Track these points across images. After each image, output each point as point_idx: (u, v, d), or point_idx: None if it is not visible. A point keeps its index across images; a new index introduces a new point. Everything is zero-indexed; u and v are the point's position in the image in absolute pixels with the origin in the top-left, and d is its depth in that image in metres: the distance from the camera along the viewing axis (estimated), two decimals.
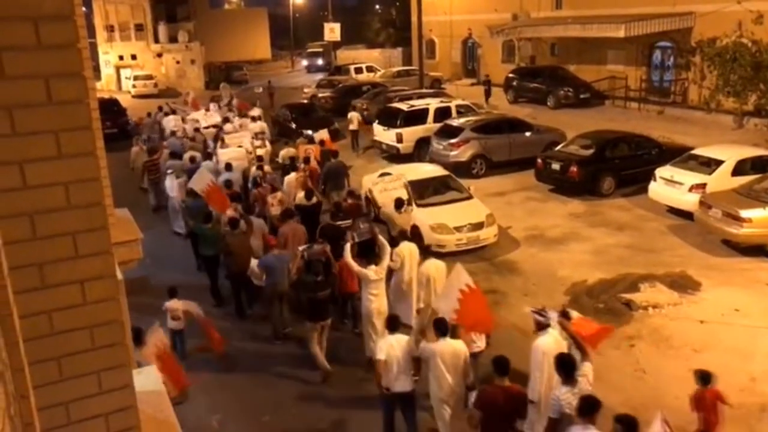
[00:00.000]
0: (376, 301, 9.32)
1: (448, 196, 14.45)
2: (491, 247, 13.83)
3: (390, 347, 7.47)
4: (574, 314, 7.73)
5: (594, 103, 28.85)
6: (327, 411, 8.74)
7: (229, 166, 15.49)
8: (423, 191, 14.40)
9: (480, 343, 8.37)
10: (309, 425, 8.49)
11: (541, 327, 7.24)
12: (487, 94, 30.61)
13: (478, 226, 13.52)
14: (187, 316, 9.68)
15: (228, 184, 14.10)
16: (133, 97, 42.94)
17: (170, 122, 22.74)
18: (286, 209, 12.40)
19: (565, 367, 6.28)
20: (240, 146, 17.86)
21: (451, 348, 7.22)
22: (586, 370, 6.49)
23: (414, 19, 38.92)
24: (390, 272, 9.97)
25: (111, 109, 28.01)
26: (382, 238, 10.15)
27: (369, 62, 44.58)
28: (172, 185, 15.40)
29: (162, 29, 49.25)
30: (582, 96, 28.81)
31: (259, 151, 17.93)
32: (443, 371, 7.18)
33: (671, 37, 27.24)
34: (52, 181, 2.00)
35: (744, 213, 12.48)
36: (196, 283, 12.17)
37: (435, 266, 9.78)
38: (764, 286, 11.52)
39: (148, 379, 3.38)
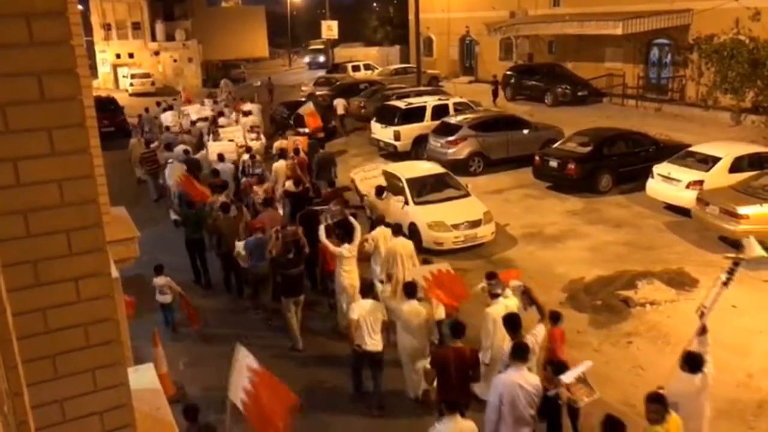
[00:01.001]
0: (349, 277, 10.09)
1: (446, 193, 14.45)
2: (489, 245, 13.83)
3: (362, 309, 8.36)
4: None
5: (592, 100, 28.84)
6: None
7: (221, 157, 16.28)
8: (420, 189, 14.39)
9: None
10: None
11: (493, 296, 8.03)
12: (495, 94, 30.09)
13: (476, 223, 13.53)
14: (174, 291, 10.68)
15: (215, 173, 15.04)
16: (131, 95, 42.91)
17: (168, 118, 23.70)
18: (267, 197, 13.29)
19: (512, 324, 7.02)
20: (231, 140, 18.63)
21: (415, 310, 8.19)
22: (536, 331, 7.28)
23: (411, 16, 38.86)
24: None
25: (108, 107, 27.98)
26: (353, 220, 10.95)
27: (366, 60, 44.53)
28: (170, 173, 16.12)
29: (159, 27, 49.18)
30: (580, 93, 28.80)
31: (255, 144, 18.75)
32: (408, 330, 8.14)
33: (669, 35, 27.24)
34: (45, 179, 2.00)
35: (741, 210, 12.50)
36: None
37: (402, 244, 10.49)
38: (761, 282, 11.54)
39: (143, 377, 3.38)
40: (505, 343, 7.16)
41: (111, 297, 2.18)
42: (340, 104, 24.45)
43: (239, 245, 11.25)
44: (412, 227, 13.62)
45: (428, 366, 7.61)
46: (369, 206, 13.85)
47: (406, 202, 13.98)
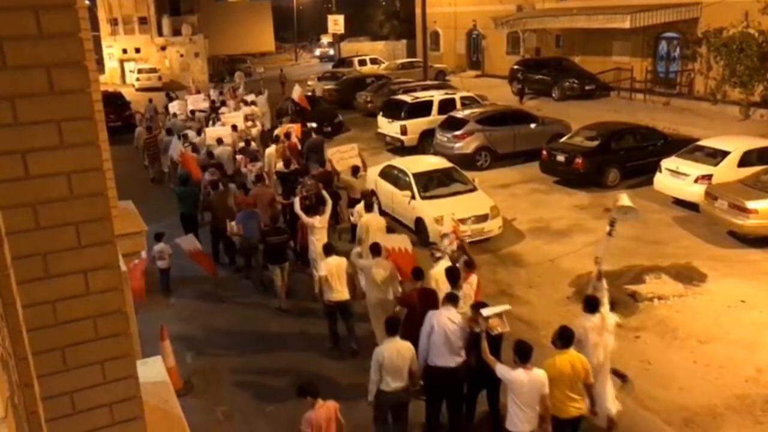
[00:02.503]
0: (319, 245, 10.85)
1: (453, 188, 14.42)
2: (496, 239, 13.81)
3: (328, 266, 9.63)
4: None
5: (599, 94, 28.70)
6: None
7: (221, 141, 17.71)
8: (427, 183, 14.38)
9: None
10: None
11: (436, 259, 9.34)
12: (521, 93, 28.86)
13: (483, 218, 13.50)
14: (171, 258, 12.09)
15: (210, 155, 16.59)
16: (137, 90, 42.95)
17: (175, 106, 25.31)
18: (258, 174, 14.60)
19: (452, 276, 8.34)
20: (230, 125, 19.97)
21: (381, 264, 9.38)
22: (471, 280, 8.68)
23: (418, 10, 38.72)
24: None
25: (115, 102, 28.00)
26: (325, 194, 12.13)
27: (373, 54, 44.44)
28: (174, 148, 17.84)
29: (166, 22, 49.16)
30: (587, 87, 28.66)
31: (252, 131, 19.99)
32: (375, 285, 9.34)
33: (677, 28, 27.07)
34: (54, 171, 2.00)
35: (750, 204, 12.43)
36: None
37: (373, 218, 11.57)
38: None
39: (152, 370, 3.39)
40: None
41: (120, 289, 2.18)
42: (296, 92, 24.10)
43: (232, 225, 12.18)
44: (419, 222, 13.61)
45: (398, 307, 8.70)
46: (344, 184, 14.59)
47: (413, 197, 13.97)
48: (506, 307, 7.77)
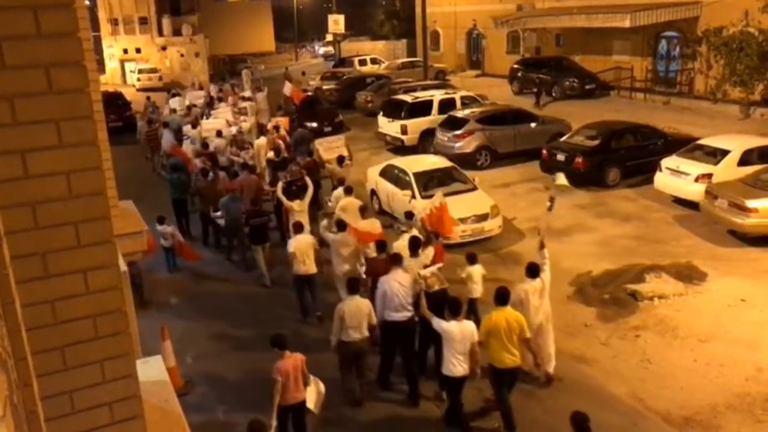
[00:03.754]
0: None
1: (453, 187, 14.41)
2: (496, 239, 13.81)
3: (297, 242, 10.64)
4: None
5: (599, 93, 28.68)
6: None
7: (219, 133, 18.91)
8: (427, 183, 14.38)
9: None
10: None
11: (400, 233, 10.73)
12: (538, 96, 27.67)
13: (483, 217, 13.50)
14: (175, 237, 13.11)
15: (205, 146, 18.04)
16: (138, 90, 42.94)
17: (175, 102, 26.55)
18: (244, 163, 15.93)
19: (413, 245, 9.53)
20: (222, 119, 21.71)
21: (345, 239, 10.45)
22: (427, 252, 9.78)
23: (418, 10, 38.70)
24: None
25: (115, 102, 28.03)
26: (308, 179, 13.23)
27: (373, 54, 44.41)
28: (166, 140, 19.38)
29: (166, 22, 49.13)
30: (587, 87, 28.62)
31: (244, 124, 21.18)
32: (341, 257, 10.45)
33: (677, 27, 27.05)
34: (53, 171, 2.01)
35: (750, 203, 12.42)
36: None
37: (350, 201, 12.51)
38: None
39: (152, 370, 3.40)
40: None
41: (119, 288, 2.19)
42: (287, 88, 24.80)
43: (215, 214, 13.54)
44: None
45: (364, 276, 9.83)
46: (330, 172, 15.50)
47: (413, 196, 13.97)
48: (439, 264, 9.28)
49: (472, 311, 9.38)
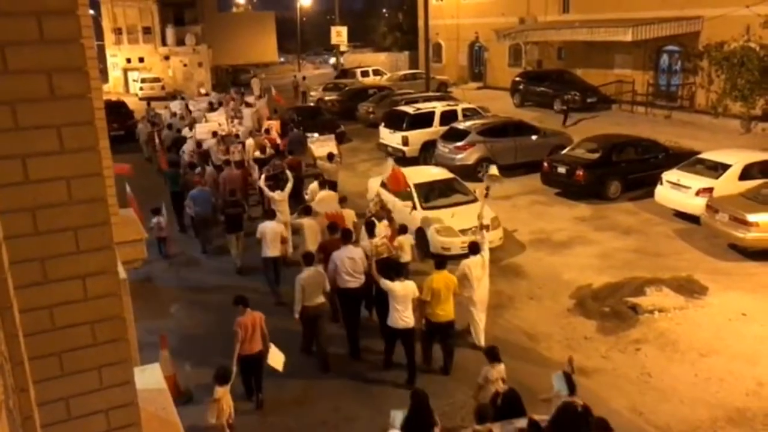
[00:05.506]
0: (280, 216, 12.86)
1: (454, 199, 14.42)
2: (497, 251, 13.77)
3: (264, 227, 11.96)
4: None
5: (601, 107, 28.75)
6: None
7: (215, 134, 20.46)
8: (428, 194, 14.38)
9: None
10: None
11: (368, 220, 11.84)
12: (566, 115, 26.44)
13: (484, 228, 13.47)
14: (163, 230, 14.38)
15: (199, 145, 19.69)
16: (141, 99, 43.02)
17: (176, 105, 28.58)
18: (226, 159, 17.33)
19: (368, 227, 11.11)
20: (215, 122, 23.34)
21: (311, 222, 12.05)
22: (382, 225, 11.42)
23: (421, 22, 38.87)
24: None
25: (118, 111, 28.13)
26: (288, 172, 14.64)
27: (375, 66, 44.57)
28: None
29: (170, 32, 49.37)
30: (589, 100, 28.69)
31: (239, 128, 22.64)
32: (307, 238, 11.85)
33: (679, 41, 27.14)
34: (54, 176, 2.01)
35: (751, 217, 12.42)
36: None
37: (327, 194, 13.79)
38: None
39: (150, 378, 3.38)
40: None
41: (118, 295, 2.18)
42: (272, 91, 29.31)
43: (188, 201, 14.73)
44: (420, 232, 13.59)
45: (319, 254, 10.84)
46: (320, 168, 16.82)
47: (414, 207, 13.96)
48: (388, 232, 11.26)
49: (389, 270, 10.44)
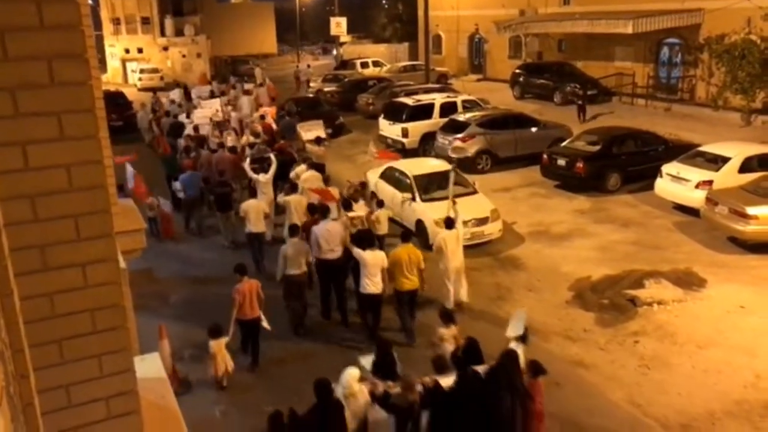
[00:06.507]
0: (264, 197, 13.82)
1: (453, 190, 14.38)
2: (496, 242, 13.80)
3: (248, 206, 12.86)
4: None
5: (601, 99, 28.68)
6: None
7: (212, 120, 21.33)
8: (428, 186, 14.37)
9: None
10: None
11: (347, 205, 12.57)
12: (582, 110, 25.19)
13: (483, 221, 13.49)
14: (159, 209, 15.05)
15: (196, 129, 20.40)
16: (139, 90, 42.90)
17: (176, 93, 29.32)
18: (219, 143, 18.04)
19: (344, 203, 12.14)
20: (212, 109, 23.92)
21: (297, 198, 13.13)
22: (357, 209, 12.47)
23: (421, 14, 38.73)
24: None
25: (117, 101, 27.96)
26: (272, 156, 15.31)
27: (375, 57, 44.43)
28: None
29: (168, 23, 49.13)
30: (589, 92, 28.61)
31: (233, 114, 23.27)
32: (293, 212, 12.77)
33: (679, 34, 27.07)
34: (54, 163, 1.99)
35: (750, 210, 12.42)
36: None
37: (312, 174, 14.61)
38: None
39: (149, 367, 3.39)
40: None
41: (118, 283, 2.17)
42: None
43: (176, 184, 15.58)
44: (419, 224, 13.60)
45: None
46: (308, 151, 17.53)
47: (413, 199, 13.96)
48: (365, 210, 12.53)
49: (380, 245, 11.45)
